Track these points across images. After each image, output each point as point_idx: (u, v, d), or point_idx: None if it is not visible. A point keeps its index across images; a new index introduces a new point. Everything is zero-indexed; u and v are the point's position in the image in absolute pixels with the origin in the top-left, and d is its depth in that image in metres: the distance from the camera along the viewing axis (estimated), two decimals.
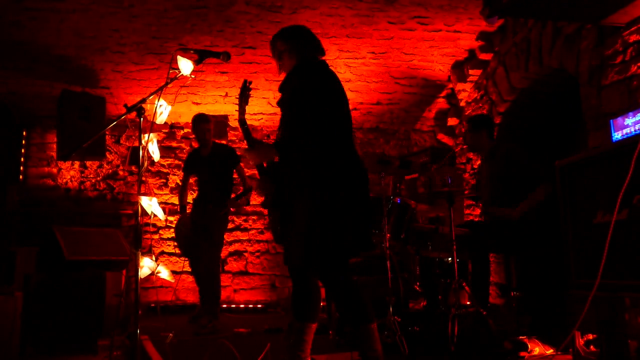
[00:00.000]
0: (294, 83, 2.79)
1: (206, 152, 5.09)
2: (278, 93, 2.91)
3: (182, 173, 5.47)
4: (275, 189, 2.85)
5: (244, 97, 3.18)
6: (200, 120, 5.09)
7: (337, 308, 3.23)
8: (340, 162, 2.67)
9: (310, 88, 2.69)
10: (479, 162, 5.05)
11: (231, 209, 5.11)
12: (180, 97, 6.29)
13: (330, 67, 2.87)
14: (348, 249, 2.67)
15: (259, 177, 3.02)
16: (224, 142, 6.80)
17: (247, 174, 5.49)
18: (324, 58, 2.94)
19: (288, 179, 2.79)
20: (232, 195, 5.19)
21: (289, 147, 2.72)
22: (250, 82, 3.22)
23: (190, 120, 5.83)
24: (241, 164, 5.26)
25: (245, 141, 3.04)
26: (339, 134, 2.71)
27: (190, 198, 5.71)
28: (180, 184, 5.98)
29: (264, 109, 6.68)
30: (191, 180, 5.76)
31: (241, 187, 5.21)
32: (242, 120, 3.11)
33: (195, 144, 6.37)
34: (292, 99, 2.76)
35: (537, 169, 4.10)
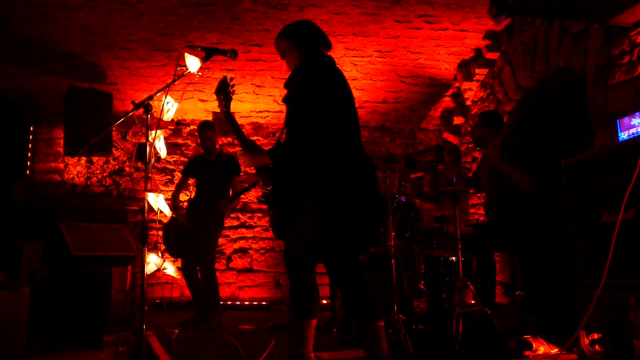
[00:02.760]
0: (297, 80, 2.79)
1: (212, 157, 5.10)
2: (284, 90, 2.90)
3: (181, 175, 5.43)
4: (274, 186, 2.85)
5: (222, 93, 3.01)
6: (202, 127, 5.10)
7: (346, 305, 3.22)
8: (345, 160, 2.65)
9: (311, 86, 2.66)
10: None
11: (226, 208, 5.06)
12: (187, 94, 6.31)
13: (337, 64, 2.85)
14: (358, 245, 2.67)
15: (256, 172, 2.99)
16: (229, 139, 6.83)
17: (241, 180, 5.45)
18: (330, 53, 2.91)
19: (290, 176, 2.78)
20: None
21: (283, 154, 2.73)
22: (232, 79, 3.07)
23: (196, 117, 5.86)
24: (240, 175, 5.22)
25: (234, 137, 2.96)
26: (343, 131, 2.68)
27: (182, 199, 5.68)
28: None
29: (270, 107, 6.68)
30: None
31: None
32: (227, 116, 2.99)
33: None
34: (294, 97, 2.75)
35: (525, 165, 4.07)
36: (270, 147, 2.85)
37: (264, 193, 2.92)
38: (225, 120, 3.04)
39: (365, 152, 2.79)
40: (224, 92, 3.03)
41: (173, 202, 5.21)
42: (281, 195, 2.82)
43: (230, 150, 6.69)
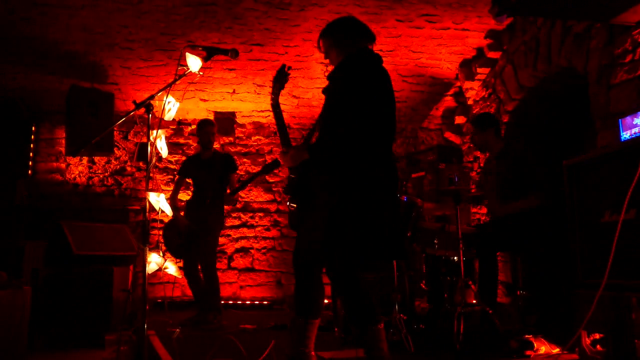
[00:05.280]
0: (337, 78, 2.75)
1: (207, 155, 5.11)
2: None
3: (177, 175, 5.41)
4: (299, 178, 2.84)
5: (279, 81, 3.10)
6: (205, 123, 5.13)
7: (344, 307, 3.22)
8: (369, 166, 2.61)
9: (350, 85, 2.64)
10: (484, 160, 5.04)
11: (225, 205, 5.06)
12: (188, 94, 6.31)
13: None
14: (366, 251, 2.60)
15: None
16: (230, 138, 6.84)
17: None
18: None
19: (316, 171, 2.76)
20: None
21: (321, 151, 2.69)
22: (290, 67, 3.12)
23: (197, 117, 5.82)
24: (237, 172, 5.23)
25: (277, 134, 3.00)
26: (376, 134, 2.63)
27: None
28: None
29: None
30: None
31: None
32: (274, 105, 3.04)
33: None
34: (333, 94, 2.73)
35: (534, 175, 4.06)
36: (277, 145, 2.84)
37: (288, 183, 2.92)
38: (272, 110, 3.07)
39: (393, 160, 2.74)
40: (281, 80, 3.07)
41: (172, 204, 5.19)
42: (303, 190, 2.81)
43: (232, 150, 6.70)
